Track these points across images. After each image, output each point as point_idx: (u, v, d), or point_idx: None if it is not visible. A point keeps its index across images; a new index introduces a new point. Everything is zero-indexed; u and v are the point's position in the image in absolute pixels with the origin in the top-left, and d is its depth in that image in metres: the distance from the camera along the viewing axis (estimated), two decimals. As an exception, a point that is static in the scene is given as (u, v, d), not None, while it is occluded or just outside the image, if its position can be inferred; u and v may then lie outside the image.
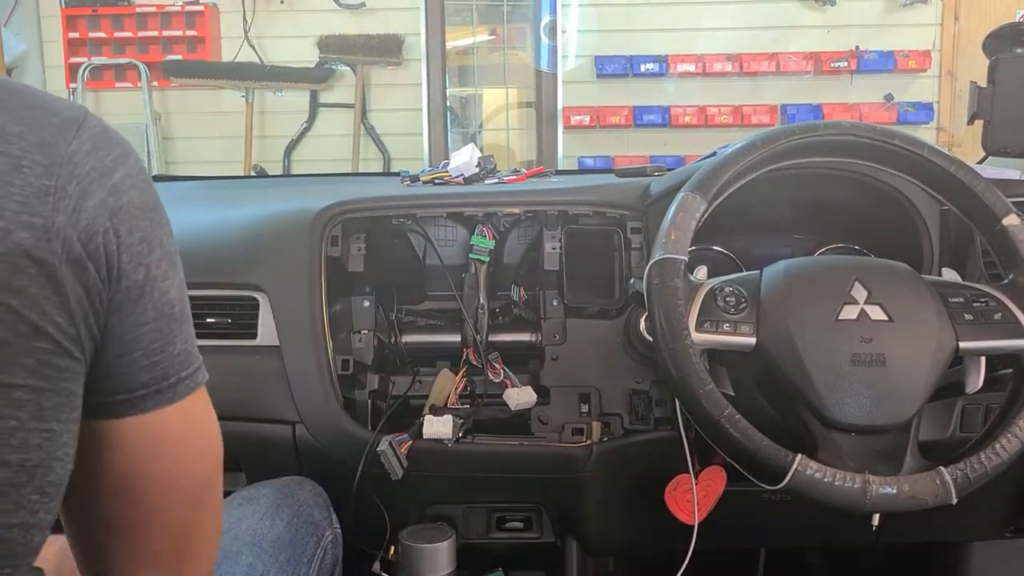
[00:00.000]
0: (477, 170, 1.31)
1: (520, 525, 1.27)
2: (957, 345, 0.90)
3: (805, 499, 0.85)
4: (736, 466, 0.90)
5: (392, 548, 1.17)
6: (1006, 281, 0.94)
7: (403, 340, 1.21)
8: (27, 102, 0.52)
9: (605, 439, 1.14)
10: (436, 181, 1.32)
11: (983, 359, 0.93)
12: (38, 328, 0.50)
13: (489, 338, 1.18)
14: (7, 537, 0.50)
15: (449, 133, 4.21)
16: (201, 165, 4.46)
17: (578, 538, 1.28)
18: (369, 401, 1.17)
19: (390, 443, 1.07)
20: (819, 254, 1.24)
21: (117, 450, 0.58)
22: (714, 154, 1.04)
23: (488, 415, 1.16)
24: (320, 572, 0.89)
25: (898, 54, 4.22)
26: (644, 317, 1.09)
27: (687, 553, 1.11)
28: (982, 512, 1.26)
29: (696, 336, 0.89)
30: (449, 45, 4.20)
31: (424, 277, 1.27)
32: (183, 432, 0.61)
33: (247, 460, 1.18)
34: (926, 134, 4.18)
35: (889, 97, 4.27)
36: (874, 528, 0.87)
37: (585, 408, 1.15)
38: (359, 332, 1.18)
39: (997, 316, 0.91)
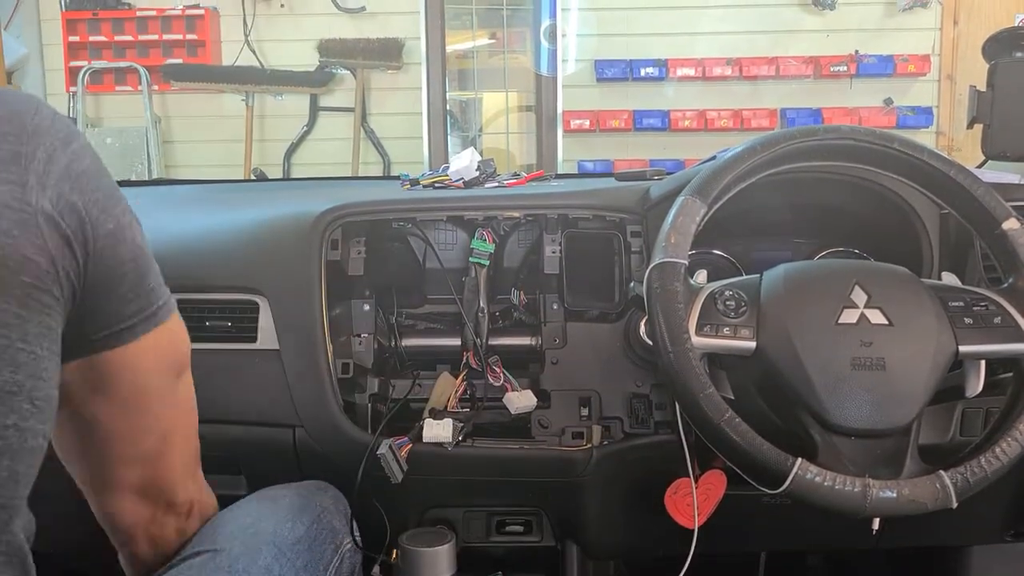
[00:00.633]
0: (477, 174, 1.30)
1: (520, 529, 1.27)
2: (957, 349, 0.90)
3: (805, 503, 0.85)
4: (736, 470, 0.90)
5: (392, 552, 1.17)
6: (1006, 285, 0.94)
7: (403, 344, 1.21)
8: None
9: (605, 443, 1.14)
10: (436, 185, 1.32)
11: (983, 363, 0.93)
12: (22, 266, 0.59)
13: (489, 342, 1.18)
14: (4, 435, 0.59)
15: (449, 137, 4.22)
16: (201, 169, 4.47)
17: (578, 542, 1.27)
18: (369, 405, 1.17)
19: (390, 447, 1.07)
20: (819, 258, 1.24)
21: (120, 375, 0.70)
22: (714, 158, 1.04)
23: (488, 419, 1.16)
24: None
25: (897, 58, 4.23)
26: (644, 321, 1.09)
27: (687, 557, 1.11)
28: (982, 516, 1.26)
29: (696, 340, 0.89)
30: (449, 49, 4.21)
31: (424, 281, 1.27)
32: (168, 345, 0.75)
33: (247, 464, 1.18)
34: (925, 138, 4.19)
35: (889, 101, 4.28)
36: (874, 532, 0.87)
37: (585, 412, 1.15)
38: (359, 336, 1.18)
39: (997, 320, 0.91)
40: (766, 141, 0.96)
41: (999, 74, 1.22)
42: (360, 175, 4.26)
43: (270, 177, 4.42)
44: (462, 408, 1.16)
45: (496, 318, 1.21)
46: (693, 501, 1.09)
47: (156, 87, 4.45)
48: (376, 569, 1.16)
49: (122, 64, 4.43)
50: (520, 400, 1.13)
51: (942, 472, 0.85)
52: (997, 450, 0.86)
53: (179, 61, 4.42)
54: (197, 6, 4.40)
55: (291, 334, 1.12)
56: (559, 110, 4.20)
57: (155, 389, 0.75)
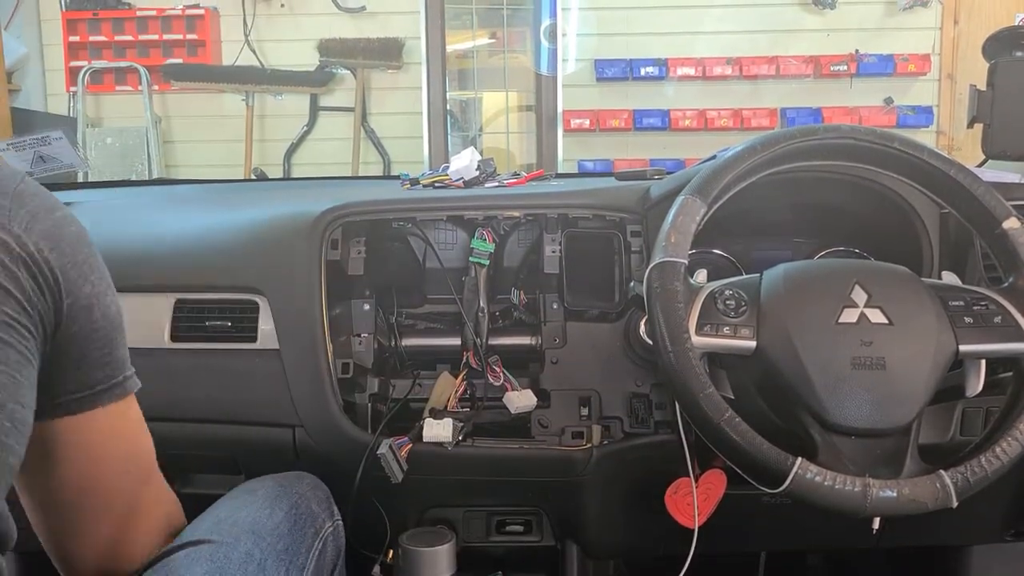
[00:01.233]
0: (477, 173, 1.30)
1: (520, 528, 1.27)
2: (957, 348, 0.90)
3: (805, 503, 0.85)
4: (736, 470, 0.90)
5: (391, 552, 1.17)
6: (1006, 284, 0.94)
7: (403, 343, 1.21)
8: None
9: (605, 442, 1.13)
10: (436, 184, 1.32)
11: (983, 362, 0.93)
12: (6, 294, 0.62)
13: (489, 341, 1.18)
14: None
15: (449, 136, 4.22)
16: (201, 168, 4.47)
17: (578, 541, 1.27)
18: (369, 404, 1.17)
19: (390, 446, 1.07)
20: (819, 257, 1.24)
21: (79, 443, 0.72)
22: (714, 157, 1.04)
23: (488, 418, 1.16)
24: (320, 562, 0.89)
25: (898, 58, 4.22)
26: (644, 320, 1.09)
27: (687, 556, 1.11)
28: (982, 515, 1.26)
29: (696, 339, 0.89)
30: (449, 48, 4.20)
31: (424, 280, 1.27)
32: (134, 421, 0.77)
33: (246, 463, 1.18)
34: (926, 138, 4.19)
35: (889, 101, 4.28)
36: (874, 532, 0.87)
37: (585, 411, 1.15)
38: (359, 335, 1.18)
39: (997, 319, 0.91)
40: (766, 141, 0.96)
41: (999, 73, 1.22)
42: (360, 175, 4.26)
43: (270, 177, 4.42)
44: (462, 408, 1.16)
45: (496, 318, 1.21)
46: (693, 501, 1.09)
47: (156, 87, 4.44)
48: (376, 569, 1.16)
49: (122, 64, 4.43)
50: (520, 400, 1.13)
51: (942, 472, 0.85)
52: (997, 450, 0.86)
53: (179, 61, 4.42)
54: (197, 6, 4.40)
55: (291, 334, 1.12)
56: (559, 110, 4.20)
57: (111, 460, 0.75)
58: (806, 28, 4.30)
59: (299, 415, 1.12)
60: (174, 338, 1.15)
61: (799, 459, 0.85)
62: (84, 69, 4.39)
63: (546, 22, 4.11)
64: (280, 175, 4.44)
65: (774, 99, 4.28)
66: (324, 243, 1.14)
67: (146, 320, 1.15)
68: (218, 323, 1.16)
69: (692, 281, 0.93)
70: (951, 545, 1.37)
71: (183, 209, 1.46)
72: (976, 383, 0.93)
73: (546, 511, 1.25)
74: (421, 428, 1.09)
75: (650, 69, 4.25)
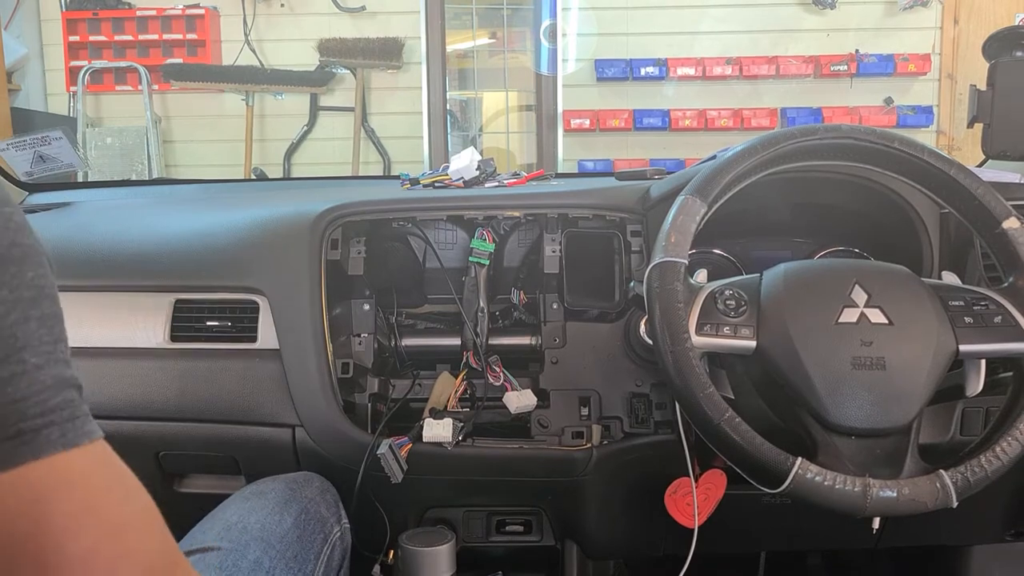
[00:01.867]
0: (477, 173, 1.30)
1: (520, 528, 1.27)
2: (957, 348, 0.90)
3: (805, 503, 0.85)
4: (736, 470, 0.90)
5: (392, 552, 1.17)
6: (1006, 284, 0.94)
7: (403, 343, 1.21)
8: None
9: (605, 442, 1.13)
10: (436, 184, 1.32)
11: (983, 362, 0.93)
12: None
13: (489, 341, 1.18)
14: None
15: (449, 136, 4.22)
16: (201, 168, 4.47)
17: (578, 541, 1.27)
18: (369, 404, 1.17)
19: (390, 446, 1.07)
20: (819, 257, 1.24)
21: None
22: (714, 157, 1.04)
23: (488, 418, 1.16)
24: (327, 568, 0.89)
25: (898, 57, 4.23)
26: (644, 320, 1.09)
27: (687, 556, 1.11)
28: (982, 515, 1.26)
29: (696, 339, 0.89)
30: (449, 48, 4.20)
31: (424, 280, 1.27)
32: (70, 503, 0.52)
33: (246, 463, 1.17)
34: (926, 137, 4.19)
35: (889, 100, 4.28)
36: (874, 531, 0.87)
37: (585, 411, 1.15)
38: (359, 335, 1.18)
39: (997, 319, 0.91)
40: (766, 140, 0.96)
41: (999, 73, 1.22)
42: (360, 175, 4.26)
43: (270, 177, 4.42)
44: (462, 408, 1.16)
45: (496, 318, 1.21)
46: (693, 501, 1.09)
47: (156, 87, 4.45)
48: (376, 569, 1.16)
49: (122, 64, 4.43)
50: (520, 400, 1.13)
51: (942, 471, 0.85)
52: (997, 449, 0.86)
53: (179, 61, 4.42)
54: (197, 6, 4.40)
55: (291, 334, 1.12)
56: (559, 109, 4.20)
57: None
58: (806, 28, 4.31)
59: (299, 415, 1.12)
60: (174, 338, 1.15)
61: (799, 459, 0.85)
62: (84, 69, 4.40)
63: (546, 22, 4.11)
64: (280, 175, 4.44)
65: (774, 99, 4.29)
66: (324, 243, 1.14)
67: (146, 320, 1.15)
68: (218, 323, 1.16)
69: (692, 281, 0.93)
70: (951, 545, 1.37)
71: (183, 209, 1.46)
72: (976, 383, 0.93)
73: (546, 511, 1.25)
74: (421, 428, 1.09)
75: (650, 69, 4.25)
